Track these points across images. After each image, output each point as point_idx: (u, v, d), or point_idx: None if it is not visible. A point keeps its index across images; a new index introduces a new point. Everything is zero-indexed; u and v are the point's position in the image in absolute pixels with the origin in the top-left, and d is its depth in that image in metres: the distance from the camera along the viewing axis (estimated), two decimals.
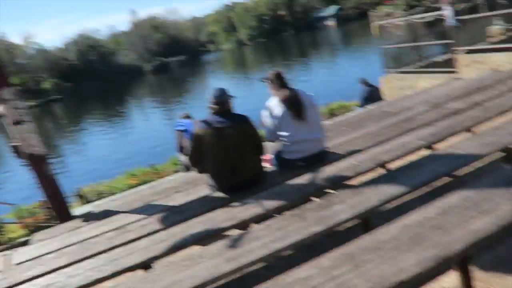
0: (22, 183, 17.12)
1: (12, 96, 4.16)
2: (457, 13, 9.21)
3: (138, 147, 18.94)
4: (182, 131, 5.57)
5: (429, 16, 10.65)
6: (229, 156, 3.50)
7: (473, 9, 11.77)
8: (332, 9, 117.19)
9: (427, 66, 10.02)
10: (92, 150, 21.75)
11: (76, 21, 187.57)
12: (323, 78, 26.10)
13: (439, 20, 9.54)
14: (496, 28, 12.55)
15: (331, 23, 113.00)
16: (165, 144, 16.81)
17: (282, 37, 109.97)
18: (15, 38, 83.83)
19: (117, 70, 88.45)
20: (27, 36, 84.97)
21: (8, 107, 4.14)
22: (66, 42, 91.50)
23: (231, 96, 3.64)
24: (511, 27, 12.03)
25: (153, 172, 9.62)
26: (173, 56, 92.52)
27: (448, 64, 9.41)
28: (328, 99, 13.35)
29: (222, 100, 3.55)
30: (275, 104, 3.79)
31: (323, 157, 3.95)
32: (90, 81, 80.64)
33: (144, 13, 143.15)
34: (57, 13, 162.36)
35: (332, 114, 10.89)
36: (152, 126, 23.76)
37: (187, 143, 5.43)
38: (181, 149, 5.66)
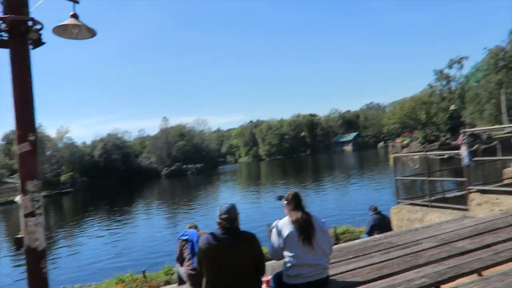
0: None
1: (35, 188, 4.34)
2: (473, 153, 9.50)
3: (135, 250, 18.43)
4: (185, 241, 5.50)
5: (447, 153, 11.08)
6: (229, 274, 3.42)
7: (491, 150, 12.22)
8: (351, 136, 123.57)
9: (439, 201, 10.04)
10: (88, 247, 21.16)
11: (112, 122, 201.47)
12: (334, 200, 26.13)
13: (455, 158, 9.80)
14: (510, 170, 12.81)
15: (348, 148, 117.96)
16: (163, 251, 16.41)
17: (300, 157, 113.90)
18: (52, 131, 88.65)
19: (136, 171, 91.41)
20: (61, 131, 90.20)
21: (27, 199, 4.29)
22: (94, 139, 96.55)
23: (239, 213, 3.69)
24: None
25: (142, 280, 9.29)
26: (192, 164, 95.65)
27: (460, 201, 9.42)
28: (336, 222, 13.21)
29: (230, 216, 3.56)
30: (285, 224, 3.81)
31: (324, 285, 3.81)
32: (107, 179, 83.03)
33: (176, 121, 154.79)
34: (96, 113, 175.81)
35: (337, 238, 10.70)
36: (154, 231, 23.36)
37: (187, 254, 5.34)
38: (180, 260, 5.52)
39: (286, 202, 3.96)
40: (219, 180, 63.47)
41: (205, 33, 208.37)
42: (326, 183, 38.26)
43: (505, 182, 11.58)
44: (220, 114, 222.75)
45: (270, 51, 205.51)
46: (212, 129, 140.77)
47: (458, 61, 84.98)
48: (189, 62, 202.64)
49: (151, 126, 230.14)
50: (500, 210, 7.83)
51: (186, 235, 5.52)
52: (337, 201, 25.86)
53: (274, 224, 3.92)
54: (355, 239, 9.62)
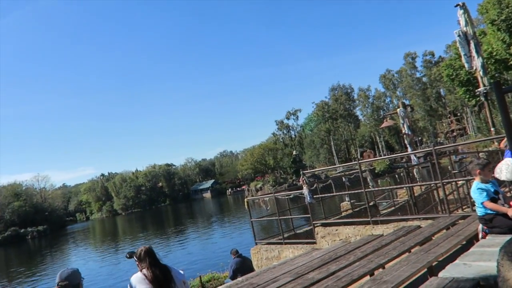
0: None
1: None
2: (314, 191, 10.71)
3: None
4: None
5: (292, 193, 12.19)
6: None
7: (328, 187, 13.94)
8: (208, 183, 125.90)
9: (292, 237, 10.90)
10: None
11: None
12: (197, 248, 25.89)
13: (300, 196, 10.86)
14: (346, 203, 14.83)
15: (207, 195, 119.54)
16: None
17: (159, 208, 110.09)
18: None
19: None
20: None
21: None
22: None
23: (82, 278, 3.31)
24: (355, 202, 14.39)
25: None
26: (32, 226, 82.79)
27: (309, 235, 10.41)
28: (201, 270, 13.06)
29: (70, 282, 3.16)
30: (139, 280, 3.58)
31: None
32: None
33: (9, 179, 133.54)
34: None
35: (203, 287, 10.55)
36: None
37: None
38: None
39: (137, 260, 3.74)
40: (68, 242, 56.29)
41: (31, 83, 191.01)
42: (188, 232, 37.63)
43: (343, 214, 13.31)
44: (64, 169, 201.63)
45: (111, 102, 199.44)
46: (55, 186, 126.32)
47: (294, 113, 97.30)
48: (13, 114, 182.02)
49: None
50: (340, 239, 8.92)
51: None
52: (200, 248, 25.64)
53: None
54: (220, 285, 9.60)
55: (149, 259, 3.62)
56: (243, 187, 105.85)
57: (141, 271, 3.62)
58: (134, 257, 3.72)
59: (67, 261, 34.56)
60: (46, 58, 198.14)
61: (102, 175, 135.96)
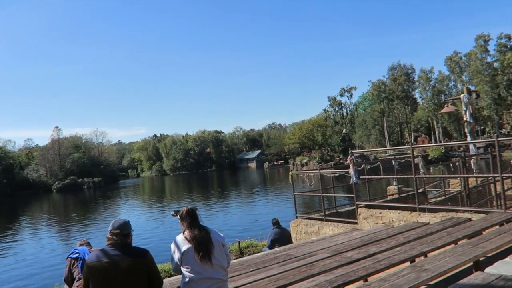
0: None
1: None
2: (361, 172, 10.47)
3: (17, 272, 16.59)
4: (75, 259, 5.04)
5: (338, 172, 12.01)
6: None
7: (376, 169, 13.61)
8: (255, 153, 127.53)
9: (333, 215, 10.84)
10: None
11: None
12: (238, 215, 26.57)
13: (346, 176, 10.67)
14: (393, 187, 14.42)
15: (252, 165, 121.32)
16: (47, 272, 15.10)
17: (205, 172, 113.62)
18: None
19: (20, 185, 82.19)
20: None
21: None
22: None
23: (132, 229, 3.51)
24: (402, 188, 13.95)
25: None
26: (88, 177, 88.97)
27: (351, 215, 10.29)
28: (240, 236, 13.43)
29: (122, 232, 3.37)
30: (182, 240, 3.74)
31: None
32: None
33: (70, 131, 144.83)
34: None
35: (241, 252, 10.85)
36: (39, 250, 21.25)
37: (78, 273, 4.90)
38: (69, 281, 5.03)
39: (180, 218, 3.88)
40: (120, 195, 60.00)
41: (98, 43, 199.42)
42: (231, 198, 38.65)
43: (388, 198, 12.96)
44: (120, 127, 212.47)
45: (169, 66, 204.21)
46: (112, 142, 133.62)
47: (348, 90, 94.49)
48: (80, 71, 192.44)
49: (41, 136, 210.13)
50: (383, 223, 8.73)
51: (77, 253, 5.07)
52: (241, 215, 26.30)
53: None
54: (258, 252, 9.82)
55: (190, 219, 3.75)
56: (280, 162, 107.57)
57: (183, 232, 3.76)
58: (178, 215, 3.87)
59: (118, 212, 36.98)
60: (115, 17, 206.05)
61: (155, 135, 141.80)
